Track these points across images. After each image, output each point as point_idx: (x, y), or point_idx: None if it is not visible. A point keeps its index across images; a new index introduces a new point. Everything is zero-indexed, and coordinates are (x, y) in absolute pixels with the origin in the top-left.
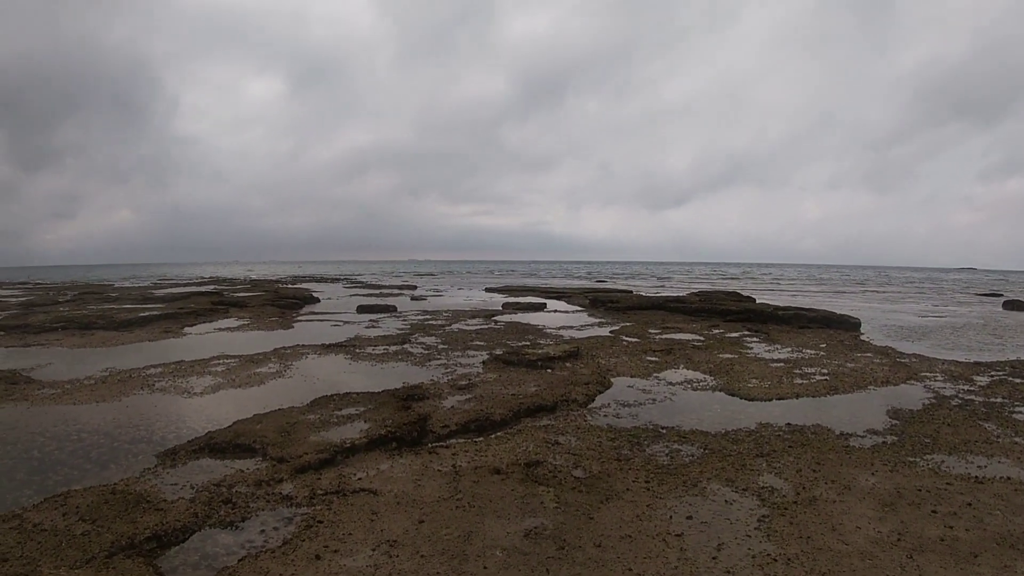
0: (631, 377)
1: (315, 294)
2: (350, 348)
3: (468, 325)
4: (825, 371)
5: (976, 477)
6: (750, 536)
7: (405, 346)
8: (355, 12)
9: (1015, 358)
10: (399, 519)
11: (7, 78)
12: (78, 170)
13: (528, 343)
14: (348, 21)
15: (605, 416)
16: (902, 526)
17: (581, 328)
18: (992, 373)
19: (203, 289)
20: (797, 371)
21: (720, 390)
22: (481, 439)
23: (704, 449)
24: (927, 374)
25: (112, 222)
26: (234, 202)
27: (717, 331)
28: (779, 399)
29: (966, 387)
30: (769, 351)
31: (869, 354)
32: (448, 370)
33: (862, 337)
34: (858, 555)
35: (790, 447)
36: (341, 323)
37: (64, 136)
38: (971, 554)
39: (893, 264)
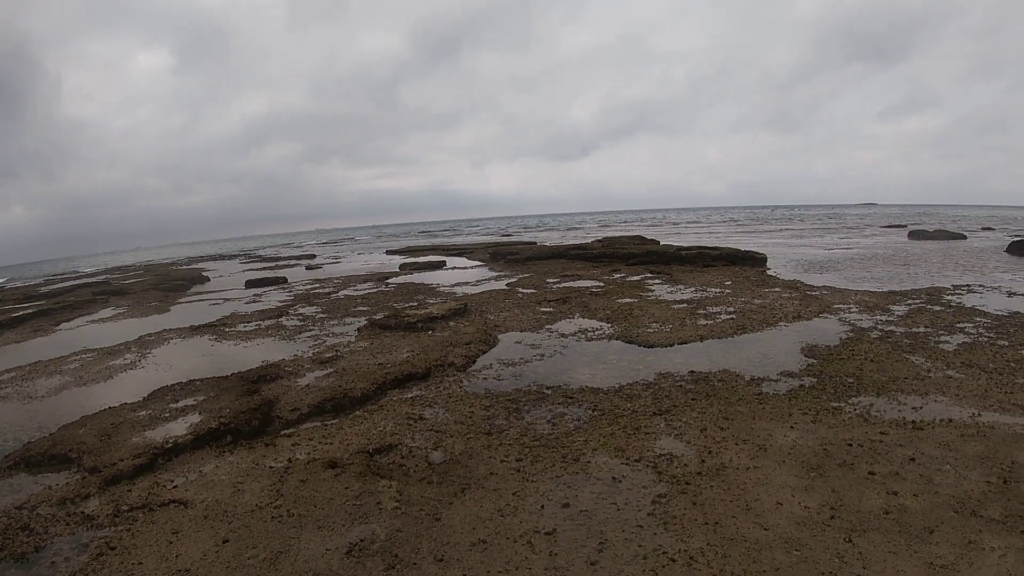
0: (520, 332)
1: (207, 273)
2: (219, 328)
3: (356, 291)
4: (731, 309)
5: (913, 422)
6: (642, 527)
7: (281, 319)
8: None
9: (929, 285)
10: (201, 539)
11: None
12: None
13: (416, 304)
14: None
15: (484, 380)
16: (835, 497)
17: (477, 283)
18: (908, 302)
19: (92, 280)
20: (701, 311)
21: (617, 338)
22: (335, 421)
23: (593, 410)
24: (840, 306)
25: (4, 220)
26: (131, 186)
27: (618, 275)
28: (681, 344)
29: (884, 318)
30: (672, 292)
31: (777, 289)
32: (317, 342)
33: (769, 272)
34: (782, 545)
35: (694, 400)
36: (222, 301)
37: None
38: (925, 529)
39: (798, 203)
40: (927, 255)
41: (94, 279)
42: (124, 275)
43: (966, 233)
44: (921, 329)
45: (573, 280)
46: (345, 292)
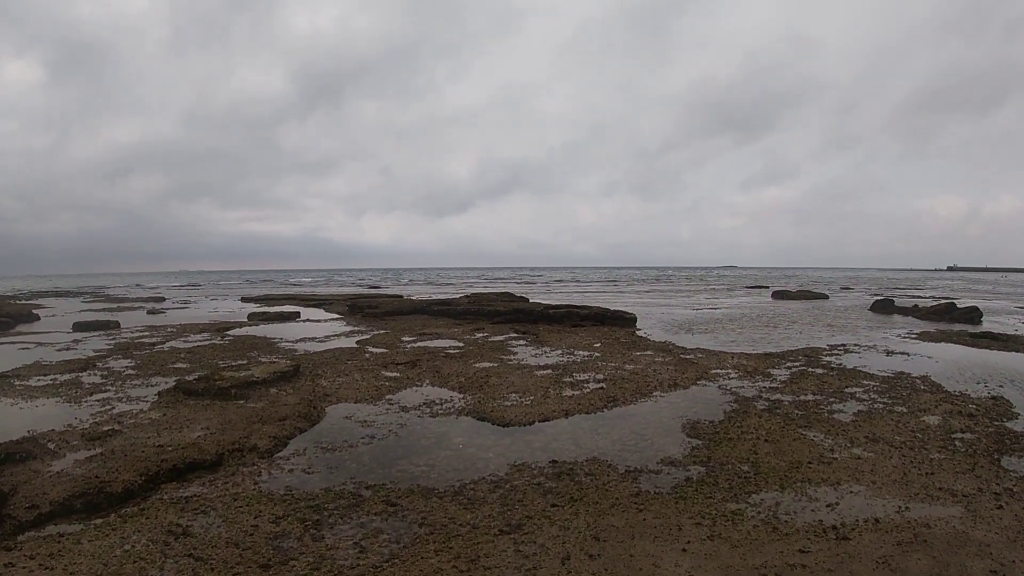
0: (354, 403)
1: (41, 311)
2: (7, 380)
3: (186, 342)
4: (601, 376)
5: (835, 529)
6: None
7: (82, 374)
8: None
9: (804, 346)
10: None
11: None
12: None
13: (244, 362)
14: (119, 0)
15: (290, 472)
16: None
17: (325, 339)
18: (788, 365)
19: None
20: (568, 379)
21: (468, 413)
22: (78, 528)
23: (420, 525)
24: (718, 371)
25: None
26: None
27: (481, 335)
28: (543, 421)
29: (767, 384)
30: (536, 355)
31: (649, 352)
32: (104, 408)
33: (639, 333)
34: None
35: (554, 507)
36: (34, 345)
37: None
38: None
39: (662, 264)
40: (795, 315)
41: None
42: None
43: (827, 293)
44: (810, 397)
45: (431, 339)
46: (172, 343)
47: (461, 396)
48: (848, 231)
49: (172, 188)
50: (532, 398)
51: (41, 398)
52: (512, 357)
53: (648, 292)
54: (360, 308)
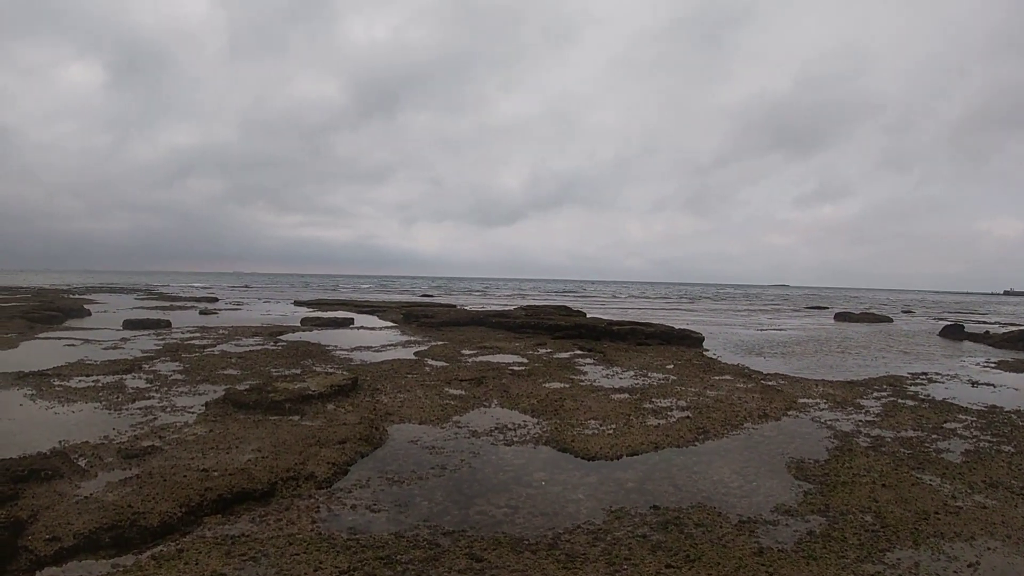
0: (419, 424)
1: (94, 306)
2: (49, 379)
3: (238, 346)
4: (683, 403)
5: None
6: None
7: (127, 376)
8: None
9: (885, 374)
10: None
11: None
12: None
13: (298, 372)
14: (178, 8)
15: (353, 509)
16: None
17: (381, 348)
18: (875, 395)
19: None
20: (648, 405)
21: (547, 442)
22: (102, 571)
23: None
24: (806, 401)
25: None
26: (44, 203)
27: (544, 351)
28: (632, 454)
29: (860, 416)
30: (608, 376)
31: (728, 376)
32: (146, 418)
33: (709, 354)
34: None
35: (671, 567)
36: (82, 342)
37: None
38: None
39: (712, 281)
40: (864, 339)
41: None
42: (10, 296)
43: (891, 316)
44: (911, 433)
45: (492, 353)
46: (223, 347)
47: (535, 421)
48: (902, 252)
49: (228, 191)
50: (614, 426)
51: (79, 402)
52: (582, 377)
53: (706, 310)
54: (415, 317)
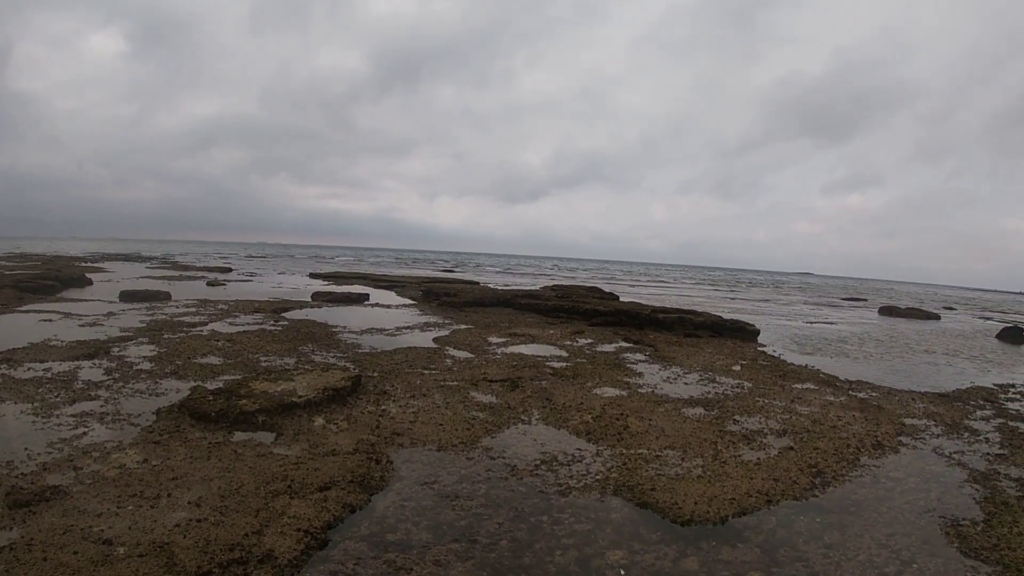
0: (438, 450)
1: (97, 275)
2: None
3: (232, 325)
4: (775, 424)
5: None
6: None
7: (85, 364)
8: None
9: (969, 384)
10: None
11: None
12: None
13: (292, 361)
14: None
15: None
16: None
17: (396, 332)
18: (978, 413)
19: None
20: (733, 426)
21: (617, 489)
22: None
23: None
24: (913, 422)
25: None
26: (71, 172)
27: (584, 341)
28: (740, 514)
29: (984, 448)
30: (669, 380)
31: (810, 385)
32: (74, 432)
33: (766, 350)
34: None
35: None
36: (59, 316)
37: None
38: None
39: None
40: (921, 339)
41: None
42: (18, 265)
43: (937, 312)
44: None
45: (525, 342)
46: (215, 326)
47: (594, 450)
48: (928, 245)
49: (252, 162)
50: (700, 462)
51: (8, 402)
52: (638, 380)
53: (743, 299)
54: (436, 294)
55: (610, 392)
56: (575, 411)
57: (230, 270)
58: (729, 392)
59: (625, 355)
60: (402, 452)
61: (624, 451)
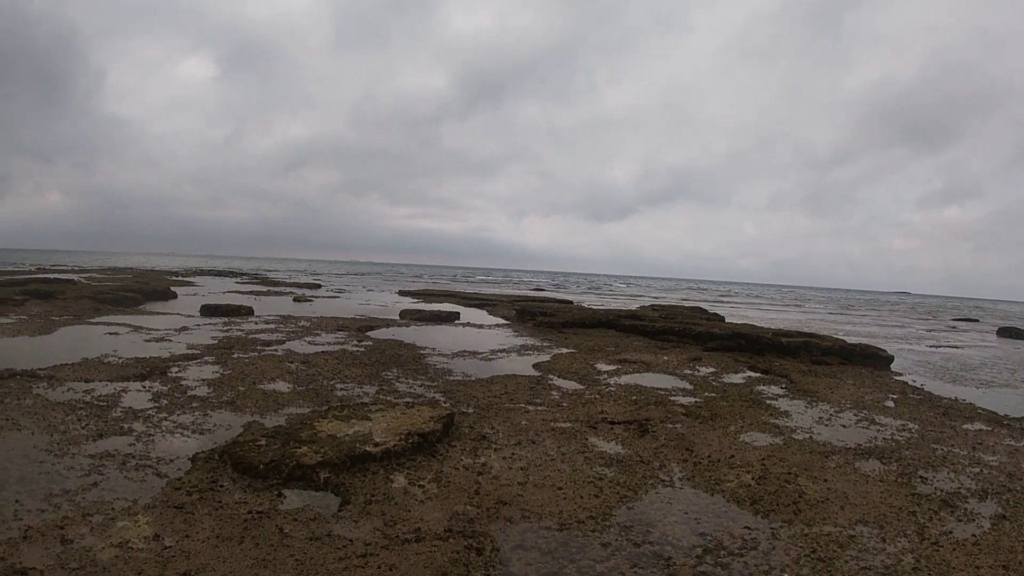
0: (559, 529)
1: (185, 289)
2: (28, 384)
3: (312, 344)
4: (970, 482)
5: None
6: None
7: (136, 385)
8: None
9: None
10: None
11: None
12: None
13: (372, 391)
14: (280, 1)
15: None
16: None
17: (491, 355)
18: None
19: (48, 277)
20: (926, 487)
21: None
22: None
23: None
24: None
25: (43, 205)
26: (167, 191)
27: (706, 370)
28: None
29: None
30: (822, 422)
31: (982, 426)
32: (84, 480)
33: (906, 380)
34: None
35: None
36: (128, 330)
37: None
38: None
39: (830, 286)
40: None
41: (64, 276)
42: (111, 276)
43: None
44: None
45: (638, 370)
46: (292, 345)
47: (767, 528)
48: None
49: (343, 182)
50: (907, 544)
51: (28, 431)
52: (788, 422)
53: (853, 320)
54: (530, 314)
55: (761, 439)
56: (726, 468)
57: (319, 286)
58: (899, 437)
59: (759, 388)
60: (511, 531)
61: (806, 529)
